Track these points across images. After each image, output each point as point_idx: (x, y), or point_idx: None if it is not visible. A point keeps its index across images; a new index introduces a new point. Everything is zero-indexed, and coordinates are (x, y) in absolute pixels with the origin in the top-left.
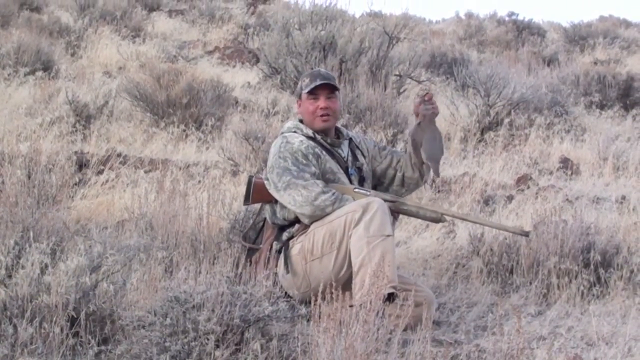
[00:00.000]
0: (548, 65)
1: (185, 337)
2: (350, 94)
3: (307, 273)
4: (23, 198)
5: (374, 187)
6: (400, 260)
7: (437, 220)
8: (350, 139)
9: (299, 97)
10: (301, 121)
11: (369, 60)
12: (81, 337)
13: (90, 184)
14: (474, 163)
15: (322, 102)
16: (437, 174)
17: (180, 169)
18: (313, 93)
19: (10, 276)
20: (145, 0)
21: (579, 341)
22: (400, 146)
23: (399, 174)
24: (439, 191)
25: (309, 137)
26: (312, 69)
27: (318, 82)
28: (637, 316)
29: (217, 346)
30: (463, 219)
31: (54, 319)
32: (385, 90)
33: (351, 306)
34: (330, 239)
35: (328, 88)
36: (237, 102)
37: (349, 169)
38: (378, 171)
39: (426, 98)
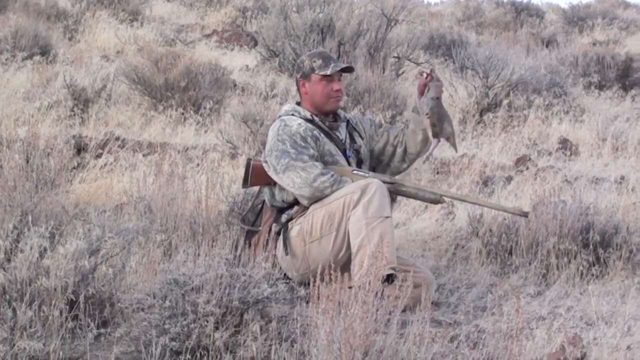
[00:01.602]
0: (547, 46)
1: (185, 320)
2: (348, 76)
3: (306, 255)
4: (21, 182)
5: (374, 167)
6: (399, 242)
7: (436, 201)
8: (348, 121)
9: (306, 77)
10: (298, 104)
11: (367, 42)
12: (80, 320)
13: (89, 167)
14: (472, 144)
15: (337, 85)
16: (456, 148)
17: (178, 152)
18: (328, 75)
19: (9, 260)
20: None
21: (579, 321)
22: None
23: (398, 150)
24: (437, 172)
25: (307, 120)
26: (310, 50)
27: (339, 66)
28: (637, 296)
29: (217, 328)
30: (462, 200)
31: (53, 302)
32: (383, 72)
33: (350, 287)
34: (329, 220)
35: (341, 70)
36: (235, 85)
37: (347, 151)
38: (376, 150)
39: (433, 75)
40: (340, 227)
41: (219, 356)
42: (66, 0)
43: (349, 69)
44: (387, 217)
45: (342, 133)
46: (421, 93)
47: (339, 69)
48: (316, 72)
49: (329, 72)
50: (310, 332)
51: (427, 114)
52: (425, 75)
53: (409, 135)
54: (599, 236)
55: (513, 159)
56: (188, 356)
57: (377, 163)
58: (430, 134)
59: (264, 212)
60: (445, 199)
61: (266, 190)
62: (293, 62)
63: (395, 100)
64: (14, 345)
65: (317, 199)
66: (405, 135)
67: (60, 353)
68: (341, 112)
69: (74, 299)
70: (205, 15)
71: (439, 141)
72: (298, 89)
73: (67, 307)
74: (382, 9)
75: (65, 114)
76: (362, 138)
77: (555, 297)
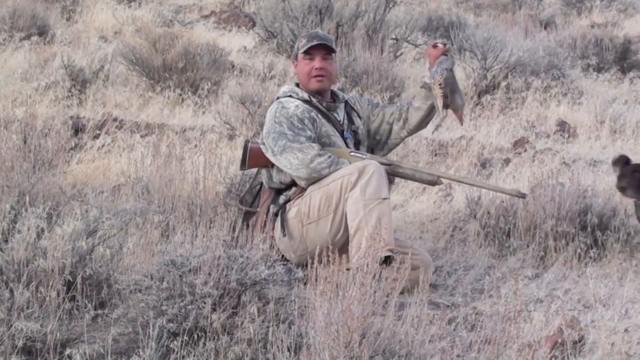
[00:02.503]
0: (545, 28)
1: (182, 301)
2: (346, 58)
3: (303, 236)
4: (19, 163)
5: (372, 149)
6: (397, 224)
7: (433, 182)
8: (346, 102)
9: (295, 57)
10: (297, 85)
11: (365, 24)
12: (78, 301)
13: (87, 148)
14: (471, 126)
15: (317, 63)
16: (462, 121)
17: (176, 133)
18: (309, 53)
19: (6, 240)
20: None
21: (576, 303)
22: None
23: (395, 127)
24: (435, 154)
25: (304, 101)
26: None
27: (314, 43)
28: (634, 278)
29: (214, 309)
30: (459, 181)
31: (51, 283)
32: (381, 54)
33: (348, 269)
34: (326, 202)
35: (324, 49)
36: (233, 66)
37: (345, 133)
38: (372, 129)
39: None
40: (337, 208)
41: (216, 337)
42: None
43: (324, 47)
44: (384, 198)
45: (340, 114)
46: (434, 63)
47: (310, 45)
48: (300, 51)
49: (305, 50)
50: (308, 314)
51: (439, 85)
52: (441, 45)
53: (412, 111)
54: (597, 219)
55: (511, 141)
56: (185, 337)
57: (375, 143)
58: (440, 104)
59: (262, 194)
60: (443, 180)
61: (264, 172)
62: (291, 43)
63: (393, 82)
64: (11, 326)
65: (314, 180)
66: (408, 112)
67: (58, 334)
68: (340, 93)
69: (71, 280)
70: None
71: (446, 113)
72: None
73: (65, 288)
74: None
75: (63, 95)
76: (360, 118)
77: (553, 279)
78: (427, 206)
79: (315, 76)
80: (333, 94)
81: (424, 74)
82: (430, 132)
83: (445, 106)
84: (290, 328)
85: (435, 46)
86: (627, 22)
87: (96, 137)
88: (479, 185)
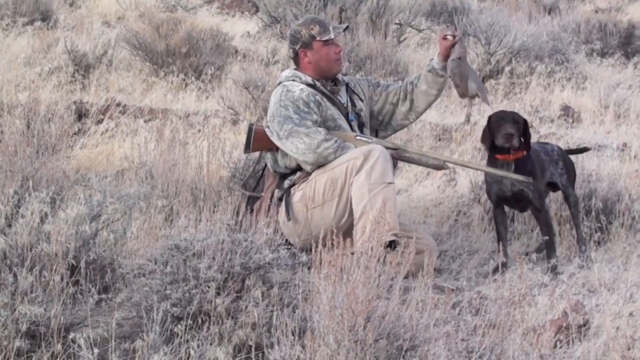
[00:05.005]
0: (549, 13)
1: (186, 285)
2: (350, 43)
3: (308, 220)
4: (22, 147)
5: (375, 130)
6: (401, 208)
7: (439, 167)
8: (347, 85)
9: (307, 46)
10: (296, 69)
11: (369, 8)
12: (81, 285)
13: (90, 133)
14: (474, 111)
15: (338, 47)
16: (487, 102)
17: (180, 118)
18: (331, 39)
19: (10, 225)
20: None
21: (581, 288)
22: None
23: (401, 108)
24: (439, 139)
25: (308, 85)
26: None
27: (340, 28)
28: (639, 262)
29: (218, 294)
30: (465, 166)
31: (54, 267)
32: (385, 38)
33: (352, 253)
34: (331, 186)
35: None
36: (236, 51)
37: (349, 115)
38: (375, 110)
39: (456, 34)
40: (342, 192)
41: (220, 322)
42: None
43: (346, 28)
44: (389, 183)
45: (343, 97)
46: (446, 54)
47: (341, 30)
48: (317, 38)
49: (332, 36)
50: (312, 298)
51: (449, 76)
52: (450, 37)
53: (419, 95)
54: (602, 203)
55: None
56: (189, 322)
57: (378, 123)
58: (458, 94)
59: (266, 178)
60: (449, 164)
61: (269, 156)
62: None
63: (397, 67)
64: (15, 310)
65: (320, 164)
66: (414, 93)
67: (61, 318)
68: (339, 76)
69: (75, 264)
70: None
71: (470, 100)
72: (296, 60)
73: (68, 272)
74: None
75: (66, 80)
76: (362, 100)
77: (558, 263)
78: (431, 191)
79: (339, 59)
80: (335, 77)
81: (432, 57)
82: (461, 122)
83: (462, 95)
84: (294, 312)
85: (445, 38)
86: (630, 7)
87: (99, 122)
88: (484, 169)
